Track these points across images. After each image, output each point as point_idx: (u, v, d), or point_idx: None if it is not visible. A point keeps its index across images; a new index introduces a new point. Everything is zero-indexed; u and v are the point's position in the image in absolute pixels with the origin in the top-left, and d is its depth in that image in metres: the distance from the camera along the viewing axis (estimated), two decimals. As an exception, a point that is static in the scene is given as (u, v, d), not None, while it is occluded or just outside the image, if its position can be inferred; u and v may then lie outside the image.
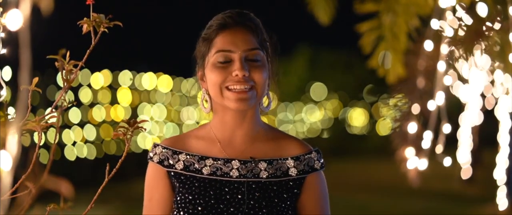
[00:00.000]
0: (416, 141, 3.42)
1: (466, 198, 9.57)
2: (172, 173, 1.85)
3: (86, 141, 13.61)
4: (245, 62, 1.79)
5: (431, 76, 3.31)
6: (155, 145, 1.89)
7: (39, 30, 1.43)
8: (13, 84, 1.54)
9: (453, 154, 4.31)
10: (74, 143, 13.35)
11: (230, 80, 1.78)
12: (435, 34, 3.23)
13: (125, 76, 15.10)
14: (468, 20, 3.11)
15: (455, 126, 4.34)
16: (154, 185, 1.86)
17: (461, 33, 3.10)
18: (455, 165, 4.56)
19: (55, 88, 12.43)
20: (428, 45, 3.24)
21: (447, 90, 3.44)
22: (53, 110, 1.51)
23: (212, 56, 1.81)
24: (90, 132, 13.78)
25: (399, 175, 3.85)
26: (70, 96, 1.55)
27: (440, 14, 3.24)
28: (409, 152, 3.45)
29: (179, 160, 1.85)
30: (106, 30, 1.52)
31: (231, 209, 1.78)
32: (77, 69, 1.51)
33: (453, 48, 3.08)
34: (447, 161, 3.72)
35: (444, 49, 3.17)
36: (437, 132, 3.57)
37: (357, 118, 22.66)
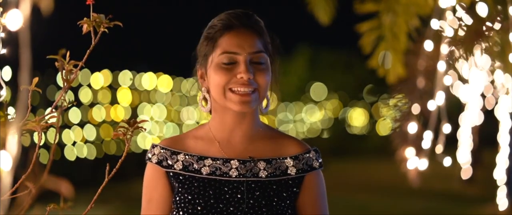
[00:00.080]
0: (416, 141, 3.43)
1: (466, 198, 9.57)
2: (171, 174, 1.85)
3: (86, 141, 13.61)
4: (250, 64, 1.79)
5: (431, 76, 3.31)
6: (153, 146, 1.89)
7: (39, 30, 1.43)
8: (13, 84, 1.54)
9: (453, 154, 4.31)
10: (74, 143, 13.35)
11: (235, 82, 1.79)
12: (435, 34, 3.23)
13: (125, 76, 15.10)
14: (468, 20, 3.11)
15: (455, 126, 4.34)
16: (153, 185, 1.86)
17: (461, 33, 3.10)
18: (455, 165, 4.56)
19: (55, 88, 12.43)
20: (428, 45, 3.24)
21: (447, 90, 3.45)
22: (53, 110, 1.51)
23: (216, 57, 1.80)
24: (90, 132, 13.79)
25: (399, 175, 3.86)
26: (70, 96, 1.55)
27: (440, 14, 3.24)
28: (409, 152, 3.45)
29: (178, 160, 1.85)
30: (106, 30, 1.53)
31: (231, 209, 1.78)
32: (77, 69, 1.51)
33: (453, 48, 3.08)
34: (447, 161, 3.72)
35: (444, 49, 3.17)
36: (437, 132, 3.57)
37: (357, 118, 22.67)
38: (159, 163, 1.86)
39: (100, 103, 14.37)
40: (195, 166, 1.84)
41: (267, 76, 1.81)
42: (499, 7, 3.13)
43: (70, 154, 13.10)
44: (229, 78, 1.79)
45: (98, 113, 14.22)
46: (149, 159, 1.87)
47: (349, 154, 17.89)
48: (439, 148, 3.65)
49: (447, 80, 3.37)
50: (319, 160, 1.89)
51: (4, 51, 1.56)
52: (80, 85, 13.84)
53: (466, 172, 5.55)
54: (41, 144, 1.49)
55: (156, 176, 1.86)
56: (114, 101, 14.73)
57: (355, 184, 12.04)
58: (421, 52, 3.28)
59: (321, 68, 21.26)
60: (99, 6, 1.54)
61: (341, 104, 22.21)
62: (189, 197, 1.80)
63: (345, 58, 20.36)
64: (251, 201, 1.79)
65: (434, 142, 3.57)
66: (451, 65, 3.26)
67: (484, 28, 2.99)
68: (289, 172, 1.85)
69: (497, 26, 3.00)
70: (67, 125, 13.20)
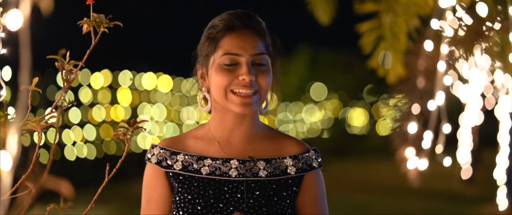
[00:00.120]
0: (416, 141, 3.43)
1: (466, 198, 9.57)
2: (170, 174, 1.85)
3: (86, 141, 13.61)
4: (252, 66, 1.79)
5: (431, 76, 3.31)
6: (153, 146, 1.89)
7: (39, 30, 1.43)
8: (13, 84, 1.54)
9: (453, 154, 4.31)
10: (74, 143, 13.35)
11: (236, 84, 1.79)
12: (435, 34, 3.23)
13: (125, 76, 15.10)
14: (468, 20, 3.11)
15: (455, 126, 4.34)
16: (153, 186, 1.86)
17: (461, 33, 3.10)
18: (455, 165, 4.56)
19: (55, 88, 12.43)
20: (428, 45, 3.24)
21: (447, 90, 3.45)
22: (53, 110, 1.51)
23: (218, 58, 1.80)
24: (90, 132, 13.79)
25: (399, 175, 3.86)
26: (70, 96, 1.55)
27: (440, 14, 3.24)
28: (409, 152, 3.45)
29: (177, 160, 1.86)
30: (106, 30, 1.53)
31: (231, 208, 1.78)
32: (77, 69, 1.51)
33: (453, 48, 3.08)
34: (447, 161, 3.72)
35: (444, 49, 3.17)
36: (437, 132, 3.57)
37: (357, 118, 22.67)
38: (158, 163, 1.86)
39: (100, 103, 14.37)
40: (195, 166, 1.84)
41: (268, 77, 1.81)
42: (499, 7, 3.13)
43: (70, 154, 13.10)
44: (230, 80, 1.79)
45: (98, 113, 14.22)
46: (149, 159, 1.87)
47: (349, 154, 17.89)
48: (439, 148, 3.65)
49: (447, 80, 3.37)
50: (319, 160, 1.89)
51: (4, 51, 1.56)
52: (80, 85, 13.84)
53: (466, 172, 5.56)
54: (41, 144, 1.49)
55: (155, 176, 1.86)
56: (114, 101, 14.74)
57: (355, 184, 12.04)
58: (421, 52, 3.28)
59: (321, 68, 21.26)
60: (99, 6, 1.54)
61: (341, 104, 22.21)
62: (189, 197, 1.80)
63: (345, 58, 20.36)
64: (251, 201, 1.79)
65: (434, 142, 3.57)
66: (451, 65, 3.26)
67: (484, 28, 2.99)
68: (288, 171, 1.85)
69: (497, 26, 3.00)
70: (67, 125, 13.20)
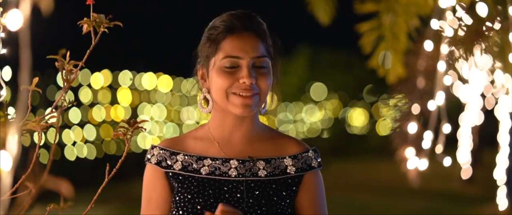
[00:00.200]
0: (416, 141, 3.43)
1: (466, 198, 9.57)
2: (170, 174, 1.85)
3: (86, 141, 13.60)
4: (252, 68, 1.80)
5: (431, 76, 3.31)
6: (152, 147, 1.89)
7: (39, 30, 1.43)
8: (13, 84, 1.54)
9: (453, 154, 4.32)
10: (74, 143, 13.34)
11: (237, 86, 1.79)
12: (435, 34, 3.23)
13: (125, 76, 15.09)
14: (468, 20, 3.11)
15: (455, 126, 4.35)
16: (153, 186, 1.86)
17: (461, 33, 3.10)
18: (455, 165, 4.56)
19: (55, 88, 12.42)
20: (428, 45, 3.24)
21: (447, 90, 3.45)
22: (53, 110, 1.51)
23: (219, 60, 1.80)
24: (90, 132, 13.78)
25: (399, 175, 3.86)
26: (70, 96, 1.55)
27: (440, 14, 3.24)
28: (409, 152, 3.45)
29: (177, 160, 1.86)
30: (106, 30, 1.53)
31: (231, 209, 1.78)
32: (77, 69, 1.51)
33: (453, 48, 3.08)
34: (447, 161, 3.72)
35: (444, 49, 3.17)
36: (437, 132, 3.57)
37: (357, 118, 22.66)
38: (158, 163, 1.86)
39: (100, 103, 14.37)
40: (194, 166, 1.84)
41: (268, 80, 1.82)
42: (499, 7, 3.13)
43: (70, 154, 13.10)
44: (231, 82, 1.79)
45: (98, 113, 14.22)
46: (148, 160, 1.88)
47: (349, 154, 17.89)
48: (439, 148, 3.66)
49: (447, 80, 3.38)
50: (318, 160, 1.90)
51: (4, 51, 1.56)
52: (80, 85, 13.83)
53: (466, 172, 5.56)
54: (41, 144, 1.49)
55: (155, 176, 1.86)
56: (114, 101, 14.72)
57: (355, 184, 12.03)
58: (421, 52, 3.28)
59: (321, 68, 21.24)
60: (99, 6, 1.54)
61: (341, 104, 22.20)
62: (189, 196, 1.81)
63: (345, 58, 20.34)
64: (251, 201, 1.80)
65: (434, 142, 3.57)
66: (451, 65, 3.27)
67: (484, 28, 2.99)
68: (288, 171, 1.85)
69: (497, 26, 3.00)
70: (67, 125, 13.19)
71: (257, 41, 1.82)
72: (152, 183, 1.87)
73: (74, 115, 13.52)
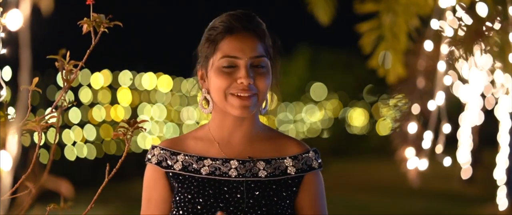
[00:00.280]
0: (416, 141, 3.43)
1: (466, 198, 9.57)
2: (170, 174, 1.85)
3: (86, 141, 13.60)
4: (250, 68, 1.79)
5: (431, 76, 3.31)
6: (153, 147, 1.89)
7: (39, 30, 1.43)
8: (13, 84, 1.54)
9: (453, 154, 4.32)
10: (74, 143, 13.34)
11: (235, 87, 1.79)
12: (435, 34, 3.23)
13: (125, 76, 15.09)
14: (468, 20, 3.11)
15: (455, 126, 4.35)
16: (153, 186, 1.87)
17: (461, 33, 3.10)
18: (455, 165, 4.56)
19: (55, 88, 12.42)
20: (428, 45, 3.24)
21: (447, 90, 3.45)
22: (53, 110, 1.51)
23: (217, 60, 1.80)
24: (90, 132, 13.78)
25: (399, 175, 3.86)
26: (70, 96, 1.55)
27: (440, 14, 3.24)
28: (409, 152, 3.45)
29: (177, 161, 1.86)
30: (106, 30, 1.53)
31: (231, 208, 1.79)
32: (77, 69, 1.51)
33: (453, 48, 3.08)
34: (447, 161, 3.72)
35: (444, 49, 3.17)
36: (437, 132, 3.57)
37: (357, 118, 22.66)
38: (158, 163, 1.86)
39: (100, 103, 14.37)
40: (195, 166, 1.85)
41: (267, 80, 1.81)
42: (499, 7, 3.13)
43: (70, 154, 13.10)
44: (229, 83, 1.79)
45: (98, 113, 14.22)
46: (149, 160, 1.88)
47: (349, 154, 17.88)
48: (439, 148, 3.65)
49: (447, 80, 3.38)
50: (319, 161, 1.90)
51: (4, 51, 1.56)
52: (80, 85, 13.83)
53: (466, 172, 5.56)
54: (41, 144, 1.49)
55: (155, 176, 1.86)
56: (114, 101, 14.73)
57: (355, 184, 12.03)
58: (421, 52, 3.28)
59: (321, 68, 21.24)
60: (99, 6, 1.54)
61: (341, 104, 22.19)
62: (189, 196, 1.81)
63: (345, 58, 20.34)
64: (251, 201, 1.80)
65: (434, 142, 3.57)
66: (451, 65, 3.27)
67: (484, 28, 2.99)
68: (288, 171, 1.85)
69: (497, 26, 3.00)
70: (67, 125, 13.19)
71: (255, 41, 1.81)
72: (152, 183, 1.87)
73: (74, 115, 13.52)
